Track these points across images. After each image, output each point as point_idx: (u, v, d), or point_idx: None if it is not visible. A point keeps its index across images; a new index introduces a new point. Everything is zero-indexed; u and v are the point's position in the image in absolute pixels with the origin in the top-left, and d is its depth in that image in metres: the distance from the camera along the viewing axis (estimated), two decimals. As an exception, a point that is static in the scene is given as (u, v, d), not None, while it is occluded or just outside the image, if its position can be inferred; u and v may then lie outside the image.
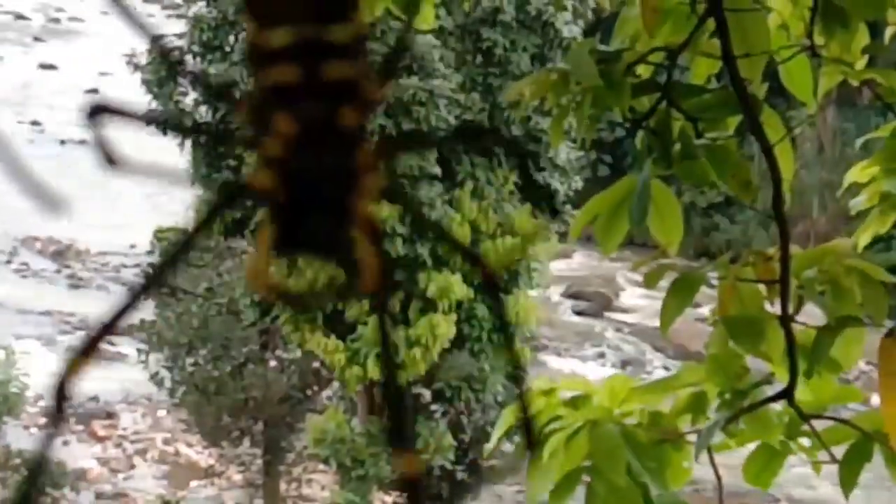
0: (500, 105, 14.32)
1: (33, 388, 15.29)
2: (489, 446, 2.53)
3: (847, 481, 2.09)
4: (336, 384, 15.06)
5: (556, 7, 13.97)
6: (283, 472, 15.48)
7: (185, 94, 14.83)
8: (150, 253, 15.75)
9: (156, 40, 0.84)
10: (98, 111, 0.83)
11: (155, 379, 15.27)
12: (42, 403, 18.08)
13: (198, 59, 14.93)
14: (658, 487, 2.03)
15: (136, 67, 15.47)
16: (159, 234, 15.38)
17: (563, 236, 15.54)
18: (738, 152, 2.04)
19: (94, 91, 35.12)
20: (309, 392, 15.13)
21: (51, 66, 37.22)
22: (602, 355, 23.14)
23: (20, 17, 40.47)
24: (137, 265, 23.17)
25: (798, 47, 2.17)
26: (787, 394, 2.05)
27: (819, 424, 2.14)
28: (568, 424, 2.11)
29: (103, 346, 0.81)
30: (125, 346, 17.75)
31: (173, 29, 15.88)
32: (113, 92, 32.64)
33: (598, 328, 24.49)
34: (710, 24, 1.98)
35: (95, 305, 22.09)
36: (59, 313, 22.60)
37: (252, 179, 0.80)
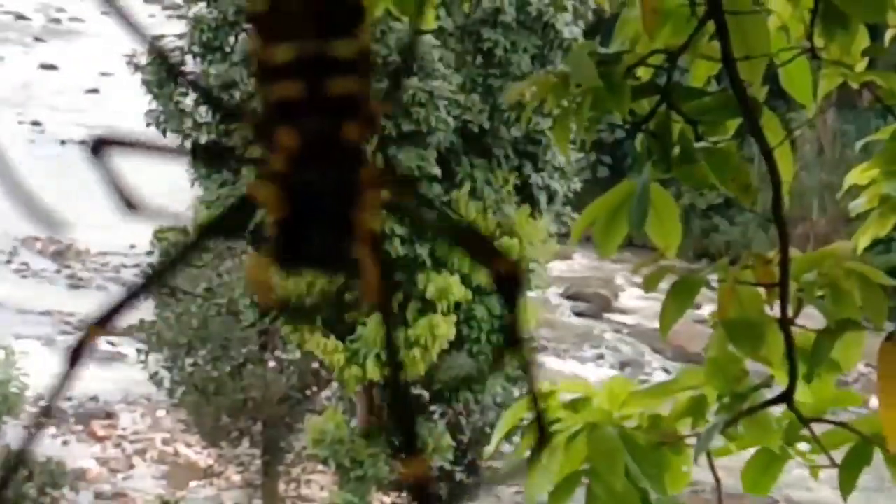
0: (500, 106, 14.32)
1: (33, 388, 15.29)
2: (489, 448, 2.53)
3: (846, 485, 2.09)
4: (335, 385, 15.06)
5: (557, 8, 13.97)
6: (281, 472, 15.48)
7: (185, 94, 14.83)
8: (149, 253, 15.75)
9: (153, 43, 0.83)
10: (101, 145, 0.83)
11: (154, 379, 15.27)
12: (42, 403, 18.07)
13: (198, 59, 14.93)
14: (657, 491, 2.02)
15: (137, 68, 15.48)
16: (159, 234, 15.37)
17: (562, 237, 15.55)
18: (737, 155, 2.04)
19: (95, 91, 35.13)
20: (308, 393, 15.12)
21: (51, 67, 37.22)
22: (601, 356, 23.14)
23: (21, 17, 40.47)
24: (137, 265, 23.17)
25: (798, 49, 2.17)
26: (786, 397, 2.05)
27: (818, 428, 2.13)
28: (567, 427, 2.11)
29: (115, 323, 0.82)
30: (125, 346, 17.75)
31: (174, 29, 15.88)
32: (113, 92, 32.67)
33: (598, 329, 24.49)
34: (710, 26, 1.97)
35: (95, 305, 22.08)
36: (58, 313, 22.60)
37: (253, 192, 0.81)
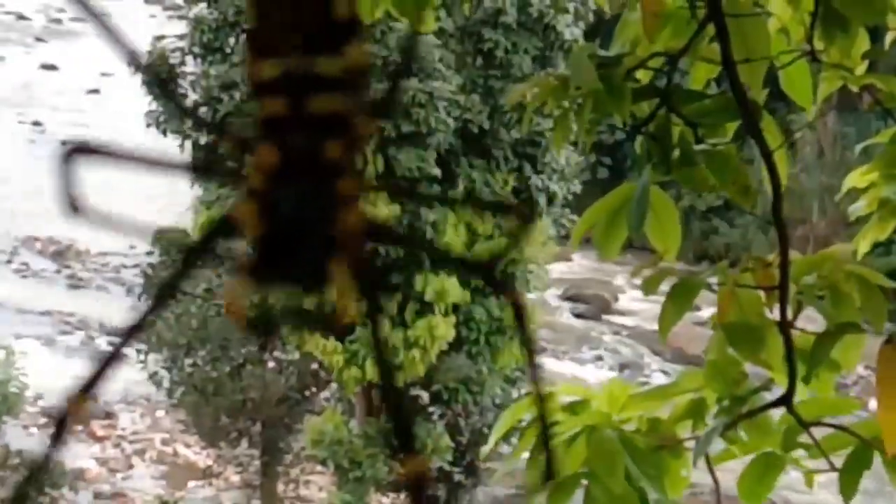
0: (500, 107, 14.32)
1: (33, 387, 15.29)
2: (486, 449, 2.53)
3: (848, 489, 2.09)
4: (334, 386, 15.06)
5: (557, 10, 13.97)
6: (280, 472, 15.48)
7: (185, 95, 14.83)
8: (149, 254, 15.74)
9: (134, 55, 0.84)
10: (74, 153, 0.83)
11: (154, 379, 15.27)
12: (42, 403, 18.07)
13: (198, 60, 14.94)
14: (656, 494, 2.02)
15: (137, 68, 15.46)
16: (159, 234, 15.37)
17: (562, 239, 15.54)
18: (737, 158, 2.04)
19: (96, 91, 35.13)
20: (307, 393, 15.13)
21: (52, 67, 37.24)
22: (600, 358, 23.14)
23: (22, 17, 40.50)
24: (137, 265, 23.16)
25: (798, 52, 2.17)
26: (785, 400, 2.05)
27: (817, 432, 2.13)
28: (566, 429, 2.10)
29: (101, 383, 0.81)
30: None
31: (175, 30, 15.89)
32: (114, 93, 32.67)
33: (597, 331, 24.49)
34: (710, 28, 1.97)
35: (95, 305, 22.12)
36: (58, 313, 22.60)
37: (234, 211, 0.80)
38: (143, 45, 15.88)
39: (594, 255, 2.13)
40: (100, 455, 18.12)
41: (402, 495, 15.22)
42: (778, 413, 2.12)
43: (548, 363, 22.02)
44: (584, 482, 2.08)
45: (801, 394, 2.10)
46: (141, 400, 19.21)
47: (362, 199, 0.81)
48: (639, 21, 2.02)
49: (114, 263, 25.32)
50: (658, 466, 2.06)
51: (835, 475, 2.11)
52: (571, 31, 14.79)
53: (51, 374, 15.55)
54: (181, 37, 15.23)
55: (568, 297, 25.80)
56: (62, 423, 0.80)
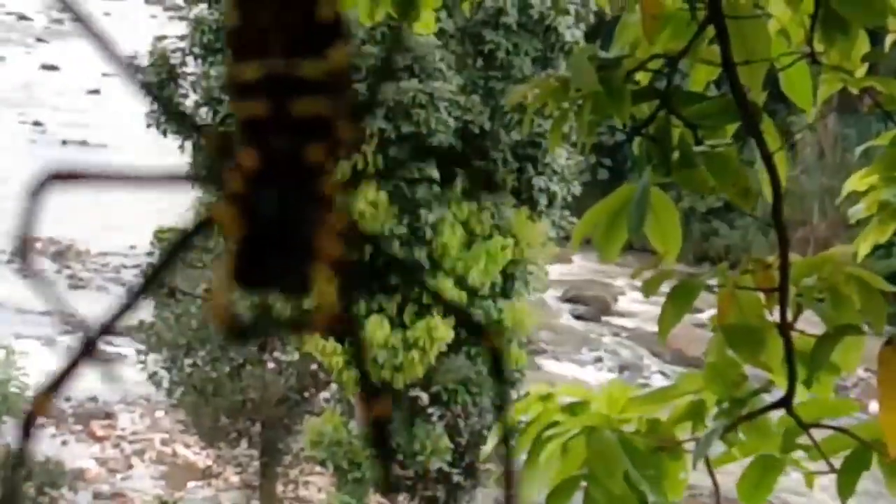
0: (501, 108, 14.32)
1: (33, 387, 15.28)
2: (486, 450, 2.53)
3: (845, 490, 2.09)
4: (334, 386, 15.06)
5: (558, 11, 13.97)
6: (279, 473, 15.47)
7: (185, 96, 14.84)
8: (149, 254, 15.74)
9: (127, 63, 0.83)
10: (51, 180, 0.83)
11: (153, 379, 15.26)
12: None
13: (199, 60, 14.94)
14: (655, 495, 2.02)
15: (138, 69, 15.46)
16: (159, 234, 15.37)
17: (561, 240, 15.54)
18: (737, 160, 2.04)
19: (96, 92, 35.14)
20: (306, 394, 15.12)
21: (53, 67, 37.25)
22: (600, 360, 23.13)
23: (23, 17, 40.51)
24: (137, 266, 23.18)
25: (798, 54, 2.17)
26: (785, 402, 2.05)
27: (816, 434, 2.13)
28: (565, 430, 2.10)
29: (67, 383, 0.82)
30: (124, 346, 17.73)
31: (175, 31, 15.89)
32: (114, 93, 32.65)
33: (596, 333, 24.48)
34: (710, 30, 1.97)
35: (95, 306, 22.09)
36: (59, 313, 22.59)
37: (215, 213, 0.80)
38: (143, 45, 15.88)
39: (594, 256, 2.13)
40: (99, 455, 18.12)
41: (402, 497, 15.22)
42: (777, 415, 2.12)
43: (547, 365, 22.02)
44: (584, 483, 2.08)
45: (801, 396, 2.10)
46: (140, 400, 19.20)
47: (343, 202, 0.81)
48: (638, 23, 2.02)
49: (114, 264, 25.33)
50: (657, 468, 2.06)
51: (832, 479, 2.11)
52: (572, 32, 14.78)
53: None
54: (182, 37, 15.23)
55: (568, 299, 25.79)
56: (30, 419, 0.81)
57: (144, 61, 15.32)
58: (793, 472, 2.24)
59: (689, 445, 2.10)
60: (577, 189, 15.39)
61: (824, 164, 25.72)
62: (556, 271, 22.04)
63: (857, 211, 2.63)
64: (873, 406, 2.06)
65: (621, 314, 25.20)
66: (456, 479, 14.70)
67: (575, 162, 15.18)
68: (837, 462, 2.12)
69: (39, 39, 39.63)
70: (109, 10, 41.87)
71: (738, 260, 2.15)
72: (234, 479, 16.46)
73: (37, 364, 15.29)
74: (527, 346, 16.16)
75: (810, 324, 2.13)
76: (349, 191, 0.82)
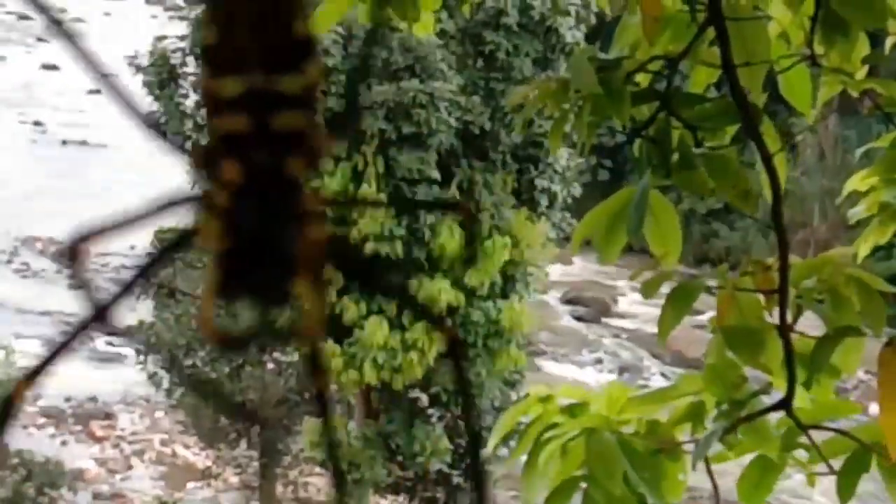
0: (501, 109, 14.31)
1: (32, 387, 15.28)
2: (486, 452, 2.53)
3: (844, 493, 2.09)
4: (333, 387, 15.05)
5: (556, 11, 13.96)
6: (279, 474, 15.47)
7: (185, 96, 14.84)
8: (149, 254, 15.71)
9: (108, 78, 0.85)
10: (78, 245, 0.85)
11: (153, 380, 15.26)
12: (41, 403, 18.07)
13: (199, 60, 14.93)
14: (654, 497, 2.02)
15: (138, 69, 15.48)
16: (159, 234, 15.38)
17: (561, 241, 15.53)
18: (737, 162, 2.04)
19: (97, 92, 35.13)
20: (306, 395, 15.11)
21: (53, 67, 37.25)
22: (600, 361, 23.13)
23: (23, 17, 40.51)
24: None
25: (798, 56, 2.17)
26: (785, 404, 2.05)
27: (816, 436, 2.13)
28: (565, 432, 2.10)
29: (47, 371, 0.83)
30: (124, 346, 17.75)
31: (176, 31, 15.89)
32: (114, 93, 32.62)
33: (596, 334, 24.48)
34: (710, 32, 1.97)
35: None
36: (58, 313, 22.60)
37: (198, 226, 0.81)
38: (144, 45, 15.88)
39: (594, 257, 2.13)
40: (99, 455, 18.11)
41: (401, 498, 15.21)
42: (777, 416, 2.12)
43: (547, 366, 22.01)
44: (583, 485, 2.08)
45: (801, 398, 2.10)
46: (140, 400, 19.20)
47: (322, 214, 0.82)
48: (639, 24, 2.02)
49: (114, 264, 25.32)
50: (656, 470, 2.06)
51: (831, 481, 2.11)
52: (573, 33, 14.78)
53: (51, 375, 15.54)
54: (182, 37, 15.23)
55: (568, 300, 25.79)
56: (7, 406, 0.82)
57: (145, 61, 15.32)
58: (793, 474, 2.24)
59: (689, 447, 2.10)
60: (577, 190, 15.38)
61: (825, 166, 25.72)
62: (556, 272, 22.05)
63: (857, 212, 2.63)
64: (874, 408, 2.06)
65: (622, 315, 25.20)
66: (456, 480, 14.70)
67: (575, 163, 15.17)
68: (837, 464, 2.11)
69: (40, 39, 39.63)
70: (110, 10, 41.88)
71: (739, 261, 2.15)
72: (234, 479, 16.46)
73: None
74: (526, 348, 16.15)
75: (810, 326, 2.13)
76: (338, 202, 0.84)
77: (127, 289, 0.85)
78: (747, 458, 2.19)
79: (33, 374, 0.82)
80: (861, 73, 2.27)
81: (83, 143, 32.01)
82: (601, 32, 13.92)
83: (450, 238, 14.15)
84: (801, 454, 2.15)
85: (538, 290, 15.76)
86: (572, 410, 2.17)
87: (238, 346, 0.82)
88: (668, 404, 2.17)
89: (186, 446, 18.02)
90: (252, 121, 0.80)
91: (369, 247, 13.75)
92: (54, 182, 28.29)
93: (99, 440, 18.56)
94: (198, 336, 14.53)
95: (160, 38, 15.48)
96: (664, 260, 2.08)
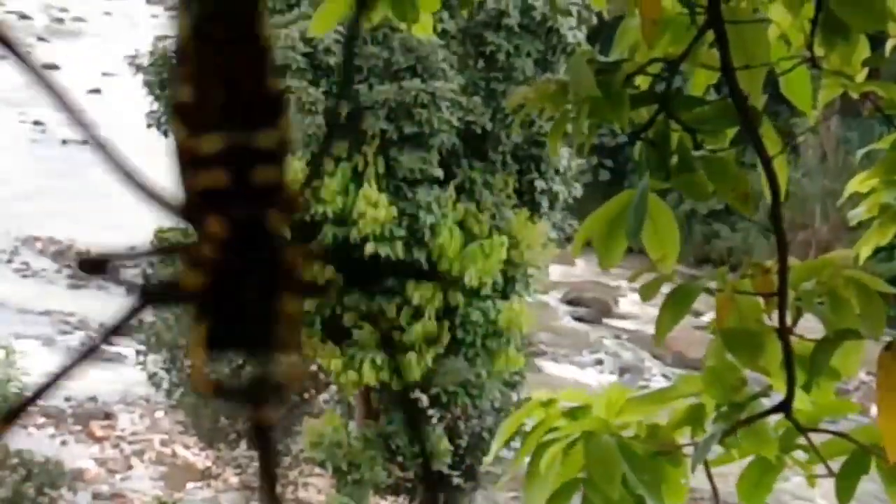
0: (502, 109, 14.31)
1: (32, 387, 15.28)
2: (488, 460, 2.53)
3: (843, 495, 2.08)
4: (333, 388, 15.06)
5: (555, 12, 13.95)
6: (279, 475, 15.45)
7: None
8: (149, 254, 15.71)
9: (71, 109, 0.86)
10: (83, 266, 0.87)
11: (153, 380, 15.26)
12: (41, 403, 18.04)
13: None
14: (654, 500, 2.02)
15: (139, 69, 15.49)
16: (160, 234, 15.37)
17: (562, 242, 15.53)
18: (736, 164, 2.03)
19: (97, 91, 35.15)
20: (306, 395, 15.12)
21: (54, 67, 37.23)
22: (600, 362, 23.12)
23: (23, 16, 40.52)
24: (137, 266, 23.16)
25: (798, 59, 2.16)
26: (784, 406, 2.04)
27: (816, 438, 2.13)
28: (565, 435, 2.10)
29: (28, 412, 0.85)
30: (124, 346, 17.75)
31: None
32: (115, 93, 32.67)
33: (597, 334, 24.48)
34: (710, 35, 1.97)
35: (95, 306, 22.12)
36: (58, 313, 22.61)
37: (182, 279, 0.84)
38: (144, 45, 15.88)
39: (595, 258, 2.13)
40: (99, 456, 18.11)
41: (401, 498, 15.21)
42: (776, 418, 2.11)
43: (547, 367, 22.01)
44: (584, 487, 2.08)
45: (801, 400, 2.10)
46: (140, 401, 19.20)
47: (302, 263, 0.85)
48: (638, 27, 2.01)
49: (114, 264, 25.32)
50: (656, 473, 2.05)
51: (831, 483, 2.11)
52: (574, 34, 14.77)
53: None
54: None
55: (569, 301, 25.79)
56: None
57: (145, 61, 15.32)
58: (793, 476, 2.24)
59: (690, 450, 2.10)
60: (578, 190, 15.38)
61: (826, 167, 25.73)
62: (557, 273, 22.05)
63: (857, 214, 2.63)
64: (875, 410, 2.06)
65: (622, 316, 25.20)
66: (456, 481, 14.69)
67: (576, 163, 15.17)
68: (836, 466, 2.11)
69: (40, 39, 39.64)
70: (110, 10, 41.89)
71: (740, 262, 2.15)
72: (234, 480, 16.46)
73: (36, 364, 15.29)
74: (527, 349, 16.15)
75: (810, 328, 2.12)
76: (315, 255, 0.87)
77: (94, 349, 0.87)
78: (747, 459, 2.19)
79: (12, 416, 0.84)
80: (861, 75, 2.26)
81: (83, 143, 32.00)
82: (602, 33, 13.92)
83: (449, 238, 14.15)
84: (800, 456, 2.15)
85: (539, 290, 15.74)
86: (573, 413, 2.17)
87: (230, 395, 0.84)
88: (666, 405, 2.17)
89: (186, 446, 18.02)
90: (231, 176, 0.82)
91: (369, 247, 13.76)
92: (54, 182, 28.29)
93: (99, 440, 18.56)
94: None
95: (161, 38, 15.47)
96: (662, 263, 2.08)
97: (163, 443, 18.48)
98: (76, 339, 21.76)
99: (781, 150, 2.05)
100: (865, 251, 2.55)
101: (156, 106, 14.92)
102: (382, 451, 14.25)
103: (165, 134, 14.87)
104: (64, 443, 18.11)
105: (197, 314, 0.83)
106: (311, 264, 0.86)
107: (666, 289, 2.14)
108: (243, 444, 15.27)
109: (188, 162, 0.83)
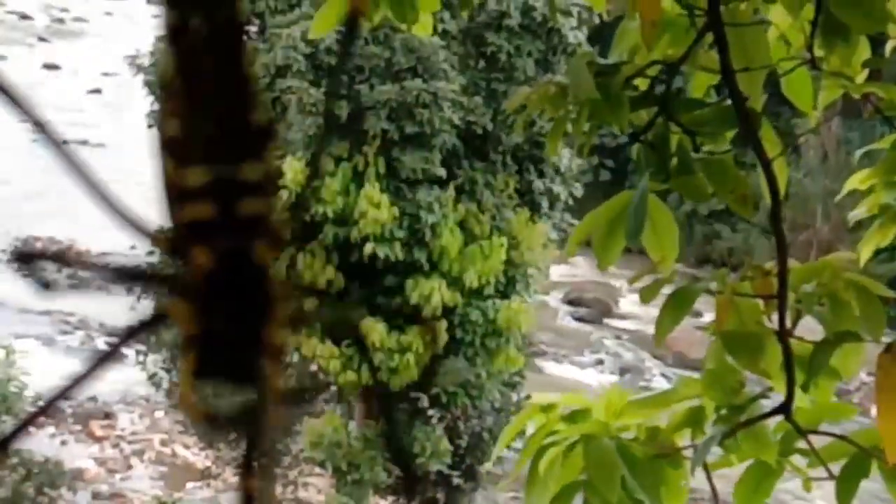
0: (503, 110, 14.31)
1: (32, 387, 15.28)
2: (489, 465, 2.52)
3: (843, 498, 2.08)
4: (333, 388, 15.05)
5: (553, 13, 13.95)
6: (279, 474, 15.46)
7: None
8: (150, 254, 15.74)
9: (40, 125, 0.88)
10: (15, 257, 0.88)
11: (153, 380, 15.25)
12: (41, 403, 18.04)
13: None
14: (653, 503, 2.01)
15: (139, 69, 15.48)
16: (160, 234, 15.35)
17: (563, 242, 15.52)
18: (736, 166, 2.03)
19: (97, 91, 35.15)
20: (306, 395, 15.09)
21: (54, 67, 37.26)
22: (601, 362, 23.12)
23: (24, 17, 40.53)
24: (138, 266, 23.15)
25: (798, 60, 2.16)
26: (784, 409, 2.04)
27: (816, 440, 2.12)
28: (565, 438, 2.10)
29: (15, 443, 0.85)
30: (124, 347, 17.73)
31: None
32: (115, 93, 32.67)
33: (598, 335, 24.47)
34: (710, 36, 1.96)
35: (95, 305, 22.12)
36: (58, 313, 22.61)
37: (169, 309, 0.85)
38: (145, 45, 15.87)
39: (595, 259, 2.12)
40: (98, 455, 18.11)
41: (401, 499, 15.21)
42: (776, 420, 2.11)
43: (548, 367, 22.01)
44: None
45: (802, 401, 2.10)
46: (140, 400, 19.20)
47: (289, 295, 0.85)
48: (638, 29, 2.01)
49: (114, 263, 25.34)
50: (656, 475, 2.05)
51: (830, 485, 2.10)
52: (575, 34, 14.77)
53: (51, 374, 15.55)
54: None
55: (569, 301, 25.79)
56: None
57: (146, 61, 15.31)
58: (794, 476, 2.23)
59: (689, 452, 2.10)
60: (578, 190, 15.38)
61: (827, 168, 25.72)
62: (557, 273, 22.04)
63: (857, 214, 2.63)
64: (875, 410, 2.05)
65: (623, 316, 25.19)
66: (456, 481, 14.69)
67: (577, 164, 15.17)
68: (836, 468, 2.11)
69: (41, 39, 39.65)
70: (111, 10, 41.89)
71: (741, 262, 2.15)
72: (233, 480, 16.45)
73: (36, 364, 15.29)
74: (527, 349, 16.15)
75: (810, 330, 2.12)
76: (305, 288, 0.87)
77: (81, 381, 0.88)
78: (747, 461, 2.19)
79: (5, 443, 0.85)
80: (862, 76, 2.26)
81: (84, 142, 32.03)
82: (603, 33, 13.91)
83: (450, 238, 14.15)
84: (799, 461, 2.15)
85: (539, 290, 15.74)
86: (573, 416, 2.17)
87: (220, 424, 0.86)
88: (666, 407, 2.17)
89: (186, 446, 18.02)
90: (218, 208, 0.83)
91: (369, 248, 13.76)
92: (54, 182, 28.29)
93: (98, 440, 18.56)
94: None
95: (161, 38, 15.47)
96: (661, 265, 2.08)
97: (162, 442, 18.48)
98: (76, 339, 21.78)
99: (781, 151, 2.04)
100: (866, 252, 2.55)
101: (156, 106, 14.91)
102: (382, 451, 14.25)
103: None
104: (64, 442, 18.10)
105: (185, 344, 0.83)
106: (297, 296, 0.86)
107: (667, 290, 2.13)
108: (243, 444, 15.25)
109: (174, 194, 0.84)
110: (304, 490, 15.74)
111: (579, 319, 25.22)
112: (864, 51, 2.21)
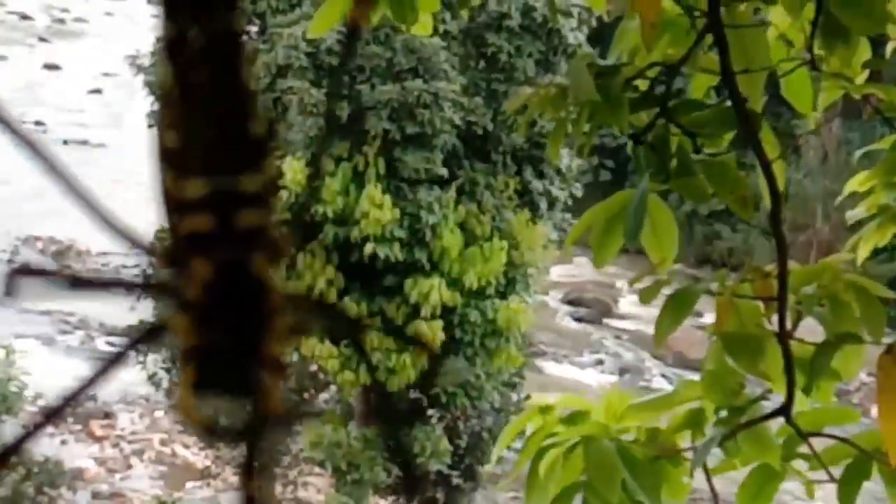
0: (503, 110, 14.31)
1: (32, 387, 15.29)
2: (489, 468, 2.52)
3: (845, 500, 2.08)
4: (333, 388, 15.05)
5: (553, 14, 13.95)
6: (278, 474, 15.45)
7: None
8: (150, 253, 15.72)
9: (33, 146, 0.87)
10: (17, 275, 0.87)
11: (153, 380, 15.25)
12: (41, 402, 18.06)
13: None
14: (653, 504, 2.01)
15: (140, 69, 15.48)
16: (160, 234, 15.36)
17: (562, 243, 15.51)
18: (735, 167, 2.03)
19: (98, 92, 35.15)
20: (306, 395, 15.11)
21: (55, 67, 37.25)
22: (601, 362, 23.11)
23: (25, 17, 40.52)
24: (137, 265, 23.17)
25: (798, 61, 2.16)
26: (784, 411, 2.04)
27: (816, 442, 2.12)
28: (565, 440, 2.10)
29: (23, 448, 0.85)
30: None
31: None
32: (116, 93, 32.68)
33: (597, 335, 24.47)
34: (710, 38, 1.96)
35: (95, 305, 22.12)
36: (58, 313, 22.61)
37: (169, 321, 0.84)
38: (145, 45, 15.87)
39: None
40: (98, 455, 18.11)
41: (401, 499, 15.21)
42: (777, 423, 2.10)
43: (547, 367, 22.01)
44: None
45: (802, 403, 2.09)
46: (140, 400, 19.20)
47: (287, 307, 0.85)
48: (637, 30, 2.01)
49: (114, 263, 25.33)
50: (656, 477, 2.05)
51: (832, 489, 2.10)
52: (575, 35, 14.77)
53: (51, 374, 15.55)
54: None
55: (569, 301, 25.78)
56: None
57: (147, 61, 15.30)
58: (791, 480, 2.23)
59: (690, 454, 2.09)
60: (578, 191, 15.38)
61: (828, 168, 25.72)
62: (557, 273, 22.05)
63: (856, 214, 2.63)
64: (875, 410, 2.05)
65: (623, 316, 25.19)
66: (455, 481, 14.69)
67: (577, 164, 15.17)
68: (838, 471, 2.10)
69: (41, 39, 39.65)
70: (112, 10, 41.88)
71: (741, 263, 2.15)
72: (233, 479, 16.45)
73: (36, 364, 15.29)
74: (527, 349, 16.14)
75: (810, 332, 2.12)
76: (301, 299, 0.87)
77: (81, 392, 0.87)
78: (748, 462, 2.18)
79: (7, 454, 0.85)
80: (862, 77, 2.26)
81: (84, 142, 32.03)
82: (604, 34, 13.91)
83: (451, 239, 14.15)
84: (800, 464, 2.14)
85: (539, 291, 15.74)
86: (573, 419, 2.17)
87: (222, 434, 0.85)
88: (667, 410, 2.16)
89: (186, 446, 18.02)
90: (216, 220, 0.82)
91: (369, 248, 13.76)
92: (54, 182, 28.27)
93: (98, 439, 18.56)
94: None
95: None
96: (661, 265, 2.07)
97: (162, 442, 18.48)
98: (76, 338, 21.78)
99: (781, 153, 2.04)
100: (864, 252, 2.54)
101: (156, 107, 14.90)
102: (382, 451, 14.25)
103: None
104: (63, 442, 18.10)
105: (184, 356, 0.83)
106: (296, 308, 0.85)
107: (667, 290, 2.13)
108: (243, 444, 15.25)
109: (172, 206, 0.83)
110: (303, 490, 15.74)
111: (579, 319, 25.21)
112: (864, 52, 2.21)
